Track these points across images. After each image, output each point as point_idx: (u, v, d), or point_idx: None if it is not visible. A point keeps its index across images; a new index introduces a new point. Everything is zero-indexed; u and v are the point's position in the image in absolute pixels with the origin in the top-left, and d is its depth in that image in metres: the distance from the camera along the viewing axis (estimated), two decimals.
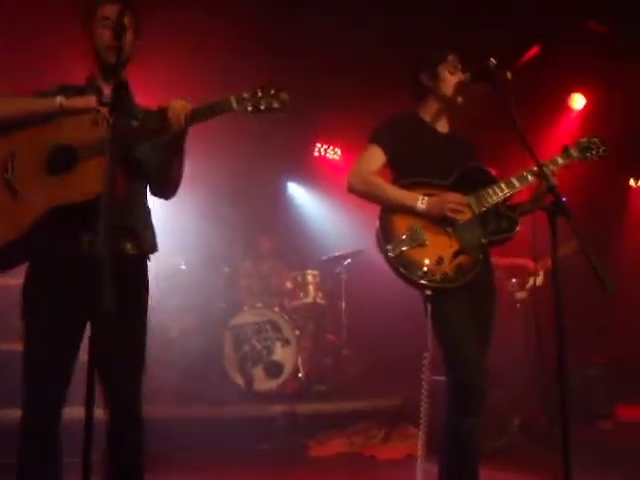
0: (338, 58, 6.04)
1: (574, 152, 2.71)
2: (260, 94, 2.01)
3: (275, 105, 2.01)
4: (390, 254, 2.46)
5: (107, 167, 1.70)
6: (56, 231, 2.06)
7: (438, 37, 5.22)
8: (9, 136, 2.12)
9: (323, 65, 6.17)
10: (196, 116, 2.05)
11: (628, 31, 5.71)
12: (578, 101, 7.26)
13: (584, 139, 2.75)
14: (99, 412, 2.09)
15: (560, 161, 2.68)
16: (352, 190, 2.65)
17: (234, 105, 2.01)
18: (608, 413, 5.50)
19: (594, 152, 2.73)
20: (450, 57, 2.72)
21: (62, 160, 2.07)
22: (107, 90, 2.20)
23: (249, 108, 2.01)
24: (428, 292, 2.48)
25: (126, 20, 1.93)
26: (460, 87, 2.69)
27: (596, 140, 2.75)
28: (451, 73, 2.70)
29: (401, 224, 2.53)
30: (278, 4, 5.45)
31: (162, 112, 2.04)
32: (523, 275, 5.46)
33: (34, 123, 2.12)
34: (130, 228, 2.22)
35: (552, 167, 2.63)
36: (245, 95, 2.01)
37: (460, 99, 2.72)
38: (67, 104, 2.11)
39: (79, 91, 2.22)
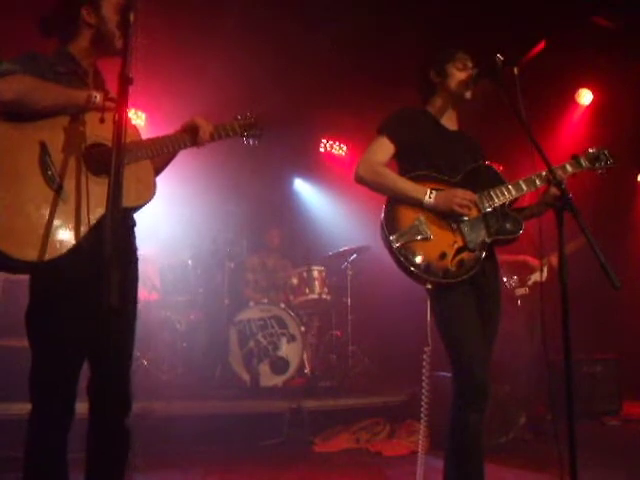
0: (344, 54, 6.04)
1: (583, 161, 2.73)
2: (254, 127, 2.52)
3: (258, 134, 2.55)
4: (394, 244, 2.46)
5: (115, 163, 1.67)
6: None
7: (443, 34, 5.21)
8: (34, 125, 1.98)
9: (329, 62, 6.16)
10: (215, 136, 2.38)
11: (634, 26, 5.67)
12: (585, 96, 7.23)
13: (593, 149, 2.76)
14: (83, 407, 2.12)
15: (569, 169, 2.70)
16: (360, 180, 2.65)
17: (238, 130, 2.47)
18: (614, 410, 5.49)
19: (603, 163, 2.75)
20: (459, 55, 2.74)
21: (102, 161, 2.03)
22: (87, 69, 2.23)
23: (245, 133, 2.50)
24: (428, 286, 2.49)
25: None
26: (468, 82, 2.70)
27: (605, 152, 2.76)
28: (459, 70, 2.72)
29: (406, 216, 2.53)
30: (284, 4, 5.44)
31: (193, 130, 2.31)
32: (524, 272, 5.46)
33: (59, 113, 2.03)
34: (131, 227, 2.28)
35: (560, 173, 2.64)
36: (246, 122, 2.50)
37: (468, 94, 2.73)
38: (100, 102, 2.06)
39: (51, 62, 2.12)
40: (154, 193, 2.18)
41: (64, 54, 2.19)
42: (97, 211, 2.00)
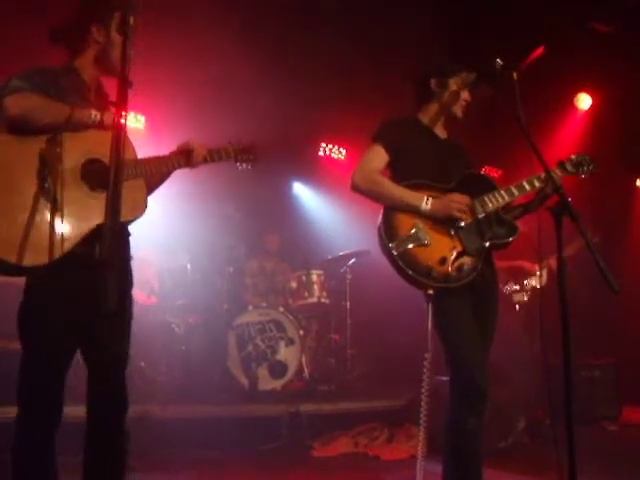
0: (343, 58, 6.04)
1: (569, 167, 2.80)
2: (248, 152, 2.58)
3: (252, 159, 2.60)
4: (394, 252, 2.47)
5: (114, 169, 1.68)
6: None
7: (443, 39, 5.22)
8: (34, 139, 2.05)
9: (328, 65, 6.16)
10: (208, 159, 2.44)
11: (633, 31, 5.69)
12: (584, 101, 7.24)
13: (575, 156, 2.84)
14: (79, 410, 2.14)
15: (558, 173, 2.76)
16: (356, 189, 2.67)
17: (232, 155, 2.52)
18: (614, 415, 5.48)
19: (586, 168, 2.83)
20: (463, 74, 2.76)
21: (99, 176, 2.10)
22: (90, 84, 2.29)
23: (238, 157, 2.56)
24: (430, 292, 2.50)
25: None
26: (463, 105, 2.77)
27: (587, 157, 2.85)
28: (459, 89, 2.75)
29: (404, 223, 2.55)
30: (283, 8, 5.44)
31: (187, 152, 2.37)
32: (522, 277, 5.46)
33: (59, 130, 2.09)
34: (125, 235, 2.32)
35: (553, 177, 2.68)
36: (240, 148, 2.55)
37: (460, 114, 2.79)
38: (100, 119, 2.12)
39: (56, 78, 2.18)
40: (144, 210, 2.23)
41: (70, 68, 2.27)
42: (90, 222, 2.07)
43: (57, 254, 1.99)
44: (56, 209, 2.03)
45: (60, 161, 2.06)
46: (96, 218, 2.08)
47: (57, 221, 2.02)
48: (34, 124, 2.02)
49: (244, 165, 2.60)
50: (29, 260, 1.96)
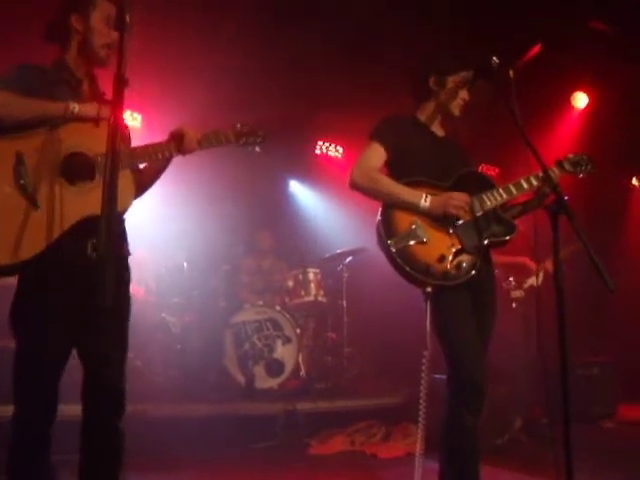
0: (340, 56, 6.03)
1: (566, 165, 2.81)
2: (253, 134, 2.44)
3: (259, 141, 2.47)
4: (392, 249, 2.48)
5: (110, 166, 1.67)
6: (66, 236, 2.06)
7: (440, 36, 5.21)
8: (12, 137, 2.04)
9: (325, 63, 6.16)
10: (203, 143, 2.32)
11: (631, 30, 5.69)
12: (581, 100, 7.25)
13: (573, 155, 2.85)
14: (77, 409, 2.14)
15: (556, 172, 2.78)
16: (355, 186, 2.67)
17: (232, 138, 2.39)
18: (610, 413, 5.49)
19: (583, 168, 2.84)
20: (463, 73, 2.74)
21: (80, 169, 2.07)
22: (81, 77, 2.27)
23: (242, 140, 2.42)
24: (428, 289, 2.50)
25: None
26: (461, 104, 2.77)
27: (585, 157, 2.86)
28: (458, 87, 2.74)
29: (403, 220, 2.55)
30: (280, 5, 5.43)
31: (179, 138, 2.27)
32: (521, 274, 5.45)
33: (40, 125, 2.07)
34: (121, 232, 2.30)
35: (551, 175, 2.69)
36: (243, 130, 2.42)
37: (457, 113, 2.79)
38: (80, 112, 2.10)
39: (43, 73, 2.18)
40: (131, 203, 2.19)
41: (60, 63, 2.25)
42: (71, 217, 2.05)
43: (32, 253, 1.98)
44: (34, 206, 2.01)
45: (37, 157, 2.04)
46: (76, 212, 2.05)
47: (34, 219, 2.00)
48: (5, 121, 2.01)
49: (250, 148, 2.47)
50: (10, 258, 1.95)
